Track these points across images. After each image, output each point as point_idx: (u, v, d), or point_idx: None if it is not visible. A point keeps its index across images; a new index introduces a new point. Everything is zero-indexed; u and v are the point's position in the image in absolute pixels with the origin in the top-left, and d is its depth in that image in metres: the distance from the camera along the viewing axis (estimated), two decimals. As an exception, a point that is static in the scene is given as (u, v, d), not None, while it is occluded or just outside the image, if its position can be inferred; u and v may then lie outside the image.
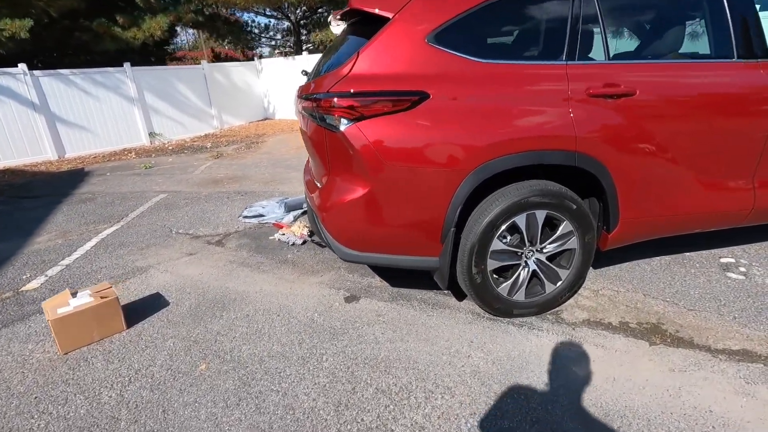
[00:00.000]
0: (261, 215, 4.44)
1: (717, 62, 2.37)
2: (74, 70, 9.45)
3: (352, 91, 2.02)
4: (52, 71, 9.09)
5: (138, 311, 2.82)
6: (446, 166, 2.06)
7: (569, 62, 2.15)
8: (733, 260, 3.00)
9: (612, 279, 2.84)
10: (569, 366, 2.08)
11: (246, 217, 4.48)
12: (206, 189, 5.96)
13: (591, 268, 2.98)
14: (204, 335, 2.51)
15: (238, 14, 12.91)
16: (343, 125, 2.04)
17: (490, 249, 2.25)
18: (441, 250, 2.23)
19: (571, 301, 2.62)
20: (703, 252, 3.14)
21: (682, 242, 3.25)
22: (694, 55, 2.57)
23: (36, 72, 8.86)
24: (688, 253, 3.13)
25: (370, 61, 2.06)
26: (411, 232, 2.19)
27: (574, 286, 2.46)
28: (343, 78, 2.07)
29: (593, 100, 2.14)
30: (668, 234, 2.60)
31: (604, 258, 3.05)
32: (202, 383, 2.12)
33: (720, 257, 3.06)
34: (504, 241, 2.33)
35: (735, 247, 3.19)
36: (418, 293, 2.81)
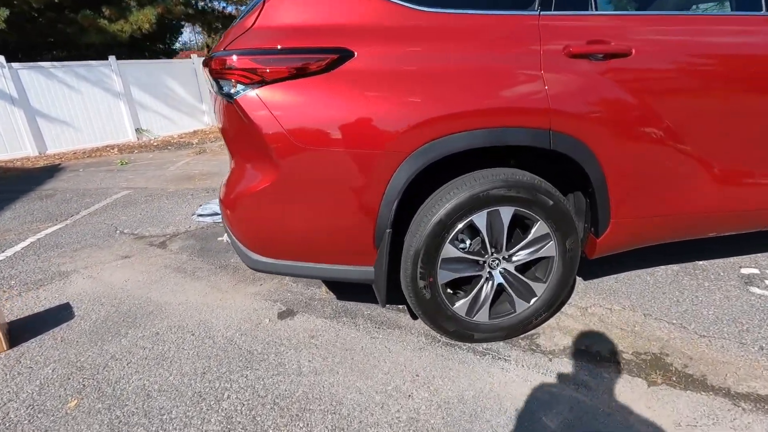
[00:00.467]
0: (216, 213, 3.98)
1: (743, 15, 1.84)
2: (55, 63, 9.11)
3: (250, 48, 1.54)
4: (31, 64, 8.76)
5: (32, 326, 2.36)
6: (375, 147, 1.56)
7: (543, 12, 1.63)
8: (757, 271, 2.46)
9: (605, 293, 2.31)
10: (538, 415, 1.57)
11: (200, 215, 4.02)
12: (175, 186, 5.53)
13: (580, 279, 2.45)
14: (94, 360, 2.05)
15: (231, 8, 12.52)
16: (239, 93, 1.56)
17: (441, 256, 1.75)
18: (376, 258, 1.74)
19: (551, 321, 2.11)
20: (720, 261, 2.60)
21: (694, 248, 2.70)
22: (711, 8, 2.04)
23: (15, 64, 8.52)
24: (701, 262, 2.59)
25: (280, 9, 1.58)
26: (335, 233, 1.70)
27: (553, 304, 1.95)
28: (245, 32, 1.58)
29: (574, 62, 1.63)
30: (674, 239, 2.07)
31: (596, 266, 2.53)
32: (61, 427, 1.65)
33: (741, 267, 2.51)
34: (459, 246, 1.83)
35: (759, 255, 2.63)
36: (367, 308, 2.32)
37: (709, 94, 1.76)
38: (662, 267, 2.54)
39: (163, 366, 1.97)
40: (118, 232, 3.89)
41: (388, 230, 1.66)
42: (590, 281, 2.44)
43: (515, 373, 1.77)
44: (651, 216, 1.88)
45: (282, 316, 2.33)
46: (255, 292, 2.59)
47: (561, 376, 1.74)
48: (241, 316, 2.34)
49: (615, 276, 2.47)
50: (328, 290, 2.55)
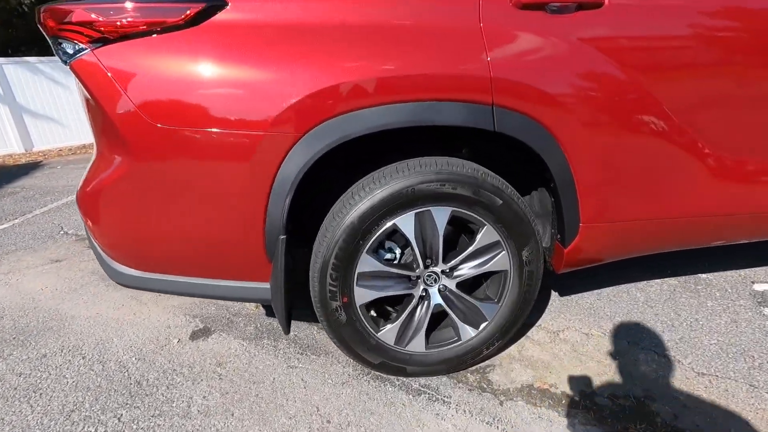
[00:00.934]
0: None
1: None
2: (42, 58, 8.88)
3: (90, -4, 1.18)
4: (17, 58, 8.56)
5: None
6: (255, 126, 1.18)
7: (483, -52, 1.24)
8: (773, 287, 2.03)
9: (584, 313, 1.90)
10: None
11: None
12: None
13: (555, 294, 2.04)
14: (-47, 389, 1.70)
15: None
16: (76, 55, 1.19)
17: (357, 270, 1.36)
18: (271, 272, 1.36)
19: (512, 349, 1.71)
20: (728, 274, 2.16)
21: (696, 257, 2.28)
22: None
23: (0, 59, 8.37)
24: (704, 275, 2.16)
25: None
26: (213, 240, 1.32)
27: (509, 330, 1.55)
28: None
29: (525, 15, 1.23)
30: (667, 248, 1.66)
31: (573, 279, 2.12)
32: None
33: (753, 283, 2.08)
34: (385, 257, 1.44)
35: (776, 266, 2.21)
36: (298, 327, 1.95)
37: (709, 59, 1.35)
38: (657, 281, 2.12)
39: (30, 400, 1.61)
40: (62, 232, 3.56)
41: (281, 236, 1.28)
42: (567, 297, 2.03)
43: (453, 422, 1.38)
44: (634, 219, 1.47)
45: (195, 336, 1.96)
46: (177, 305, 2.23)
47: (515, 427, 1.35)
48: (149, 335, 1.98)
49: (597, 291, 2.05)
50: (258, 304, 2.18)
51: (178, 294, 1.42)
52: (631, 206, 1.43)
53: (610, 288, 2.07)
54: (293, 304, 1.56)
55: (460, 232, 1.53)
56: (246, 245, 1.29)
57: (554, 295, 2.03)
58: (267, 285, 1.36)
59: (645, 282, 2.10)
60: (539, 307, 1.96)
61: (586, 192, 1.38)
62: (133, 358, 1.83)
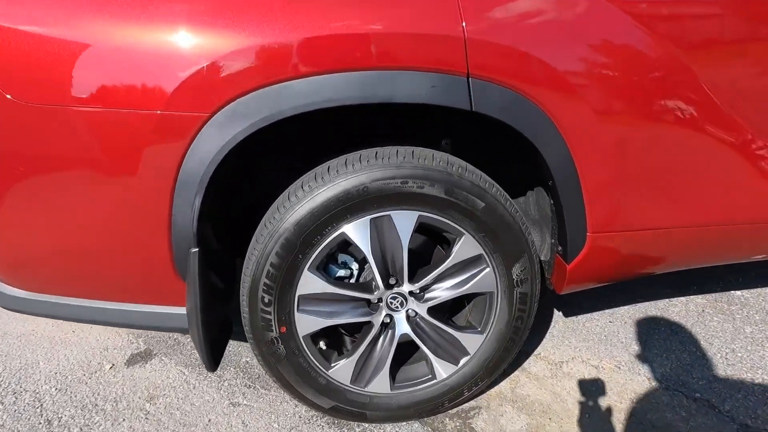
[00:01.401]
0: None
1: None
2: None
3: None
4: None
5: None
6: (148, 103, 0.88)
7: None
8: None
9: (593, 340, 1.58)
10: None
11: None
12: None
13: (558, 315, 1.72)
14: None
15: None
16: None
17: (297, 292, 1.07)
18: (186, 295, 1.07)
19: (503, 385, 1.39)
20: (766, 292, 1.83)
21: (726, 273, 1.93)
22: None
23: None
24: (738, 293, 1.79)
25: None
26: (106, 253, 1.03)
27: (497, 366, 1.23)
28: None
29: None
30: (698, 263, 1.33)
31: (581, 297, 1.79)
32: None
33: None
34: (333, 274, 1.15)
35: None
36: (250, 352, 1.65)
37: None
38: (680, 299, 1.79)
39: None
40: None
41: (193, 249, 0.99)
42: (573, 319, 1.70)
43: (421, 489, 1.08)
44: (661, 228, 1.15)
45: (133, 360, 1.68)
46: (122, 322, 1.95)
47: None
48: (81, 358, 1.70)
49: (610, 312, 1.72)
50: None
51: (75, 320, 1.14)
52: (657, 211, 1.10)
53: (625, 308, 1.74)
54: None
55: (435, 244, 1.23)
56: (148, 260, 1.00)
57: (557, 315, 1.71)
58: (182, 310, 1.07)
59: (666, 301, 1.77)
60: (539, 329, 1.64)
61: (596, 192, 1.07)
62: (53, 389, 1.54)
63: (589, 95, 0.99)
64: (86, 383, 1.56)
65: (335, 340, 1.26)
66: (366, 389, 1.18)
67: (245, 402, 1.40)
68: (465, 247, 1.08)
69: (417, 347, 1.21)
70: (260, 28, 0.86)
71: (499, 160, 1.32)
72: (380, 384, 1.18)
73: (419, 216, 1.04)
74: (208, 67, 0.86)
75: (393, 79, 0.90)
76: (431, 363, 1.19)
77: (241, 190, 1.27)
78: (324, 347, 1.15)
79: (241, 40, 0.86)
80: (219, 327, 1.18)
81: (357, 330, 1.23)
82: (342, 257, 1.16)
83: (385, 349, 1.16)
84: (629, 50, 0.99)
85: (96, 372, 1.62)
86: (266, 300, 1.04)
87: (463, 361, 1.19)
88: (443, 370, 1.20)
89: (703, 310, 1.70)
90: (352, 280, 1.18)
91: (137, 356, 1.69)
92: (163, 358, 1.67)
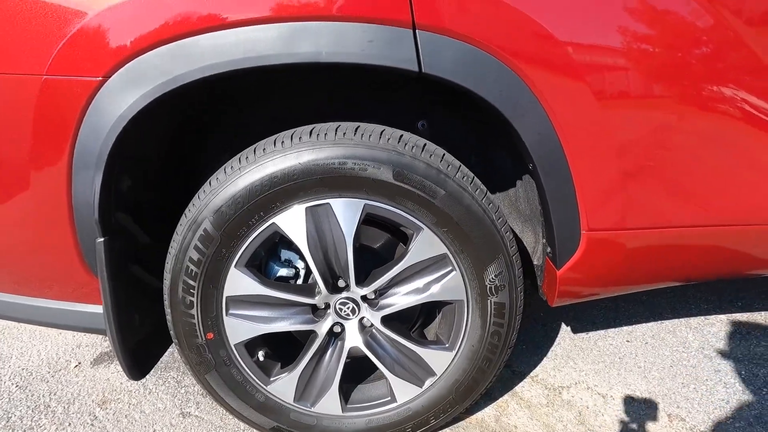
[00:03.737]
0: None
1: None
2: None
3: None
4: None
5: None
6: (29, 65, 0.75)
7: None
8: None
9: (603, 362, 1.30)
10: None
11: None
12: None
13: (566, 330, 1.46)
14: None
15: None
16: None
17: (224, 293, 0.92)
18: (100, 291, 0.94)
19: (487, 411, 1.17)
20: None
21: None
22: None
23: None
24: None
25: None
26: (9, 242, 0.91)
27: (471, 390, 1.00)
28: None
29: None
30: (730, 273, 1.06)
31: (590, 306, 1.53)
32: None
33: None
34: (272, 273, 0.98)
35: None
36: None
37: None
38: (719, 317, 1.47)
39: None
40: None
41: (99, 239, 0.86)
42: (582, 336, 1.45)
43: None
44: (683, 226, 0.91)
45: (100, 359, 1.58)
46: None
47: None
48: (53, 354, 1.63)
49: (629, 329, 1.44)
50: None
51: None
52: (677, 205, 0.87)
53: (648, 325, 1.47)
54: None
55: (398, 241, 1.04)
56: (52, 252, 0.88)
57: (564, 330, 1.47)
58: (97, 309, 0.95)
59: (702, 318, 1.48)
60: (539, 345, 1.41)
61: (592, 178, 0.84)
62: (14, 386, 1.48)
63: (585, 52, 0.78)
64: (49, 381, 1.48)
65: (284, 348, 1.10)
66: (313, 409, 1.00)
67: (196, 413, 1.27)
68: (424, 244, 0.89)
69: (366, 366, 1.03)
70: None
71: (484, 145, 1.12)
72: (329, 404, 1.00)
73: (365, 205, 0.86)
74: (95, 19, 0.72)
75: (317, 33, 0.73)
76: (389, 383, 1.00)
77: (185, 165, 1.13)
78: (262, 358, 0.99)
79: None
80: (149, 328, 1.05)
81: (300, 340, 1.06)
82: (285, 254, 0.99)
83: (333, 363, 0.98)
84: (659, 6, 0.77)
85: (61, 370, 1.54)
86: (188, 301, 0.90)
87: (428, 382, 0.99)
88: (404, 392, 1.00)
89: (747, 333, 1.40)
90: (299, 281, 1.01)
91: (106, 354, 1.61)
92: (129, 358, 1.57)
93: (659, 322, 1.47)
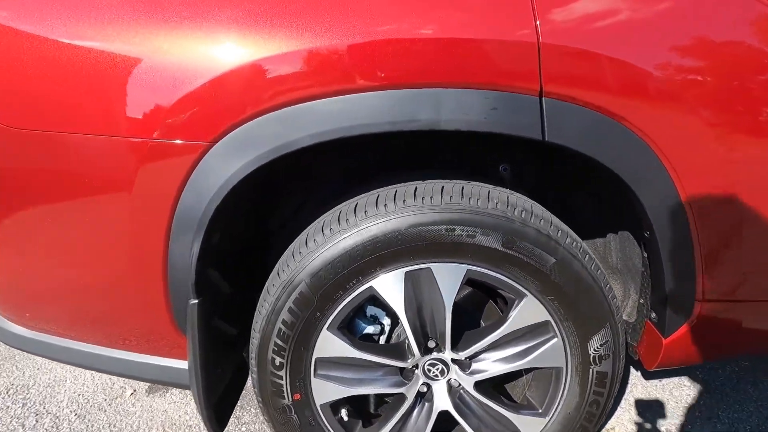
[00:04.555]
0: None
1: None
2: None
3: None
4: None
5: None
6: (132, 128, 0.72)
7: None
8: None
9: (676, 403, 1.26)
10: None
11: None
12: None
13: (637, 374, 1.40)
14: None
15: None
16: None
17: (314, 355, 0.88)
18: (188, 349, 0.92)
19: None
20: None
21: None
22: None
23: None
24: None
25: None
26: (98, 297, 0.89)
27: (562, 457, 0.99)
28: None
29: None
30: None
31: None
32: None
33: None
34: (359, 330, 0.94)
35: None
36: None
37: None
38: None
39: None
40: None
41: (192, 301, 0.83)
42: (656, 384, 1.39)
43: None
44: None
45: (154, 388, 1.58)
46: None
47: None
48: (106, 380, 1.63)
49: (724, 376, 1.38)
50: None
51: (74, 365, 1.03)
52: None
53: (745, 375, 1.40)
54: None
55: (488, 298, 1.00)
56: (143, 311, 0.86)
57: (634, 376, 1.40)
58: (184, 364, 0.93)
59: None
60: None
61: (717, 249, 0.79)
62: (73, 414, 1.47)
63: (715, 115, 0.73)
64: (105, 411, 1.48)
65: (363, 403, 1.07)
66: (395, 470, 0.97)
67: (261, 455, 1.25)
68: (527, 311, 0.84)
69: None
70: (263, 41, 0.69)
71: (564, 186, 1.07)
72: (413, 466, 0.97)
73: (468, 271, 0.82)
74: (207, 85, 0.69)
75: (438, 100, 0.69)
76: (477, 448, 0.96)
77: (263, 216, 1.11)
78: (346, 417, 0.96)
79: (241, 55, 0.69)
80: (229, 379, 1.03)
81: (381, 401, 1.03)
82: (371, 310, 0.96)
83: (420, 425, 0.95)
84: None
85: (117, 398, 1.53)
86: (277, 362, 0.87)
87: (518, 448, 0.96)
88: (491, 457, 0.97)
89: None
90: (383, 337, 0.98)
91: (159, 382, 1.60)
92: (184, 391, 1.56)
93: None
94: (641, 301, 0.96)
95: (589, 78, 0.68)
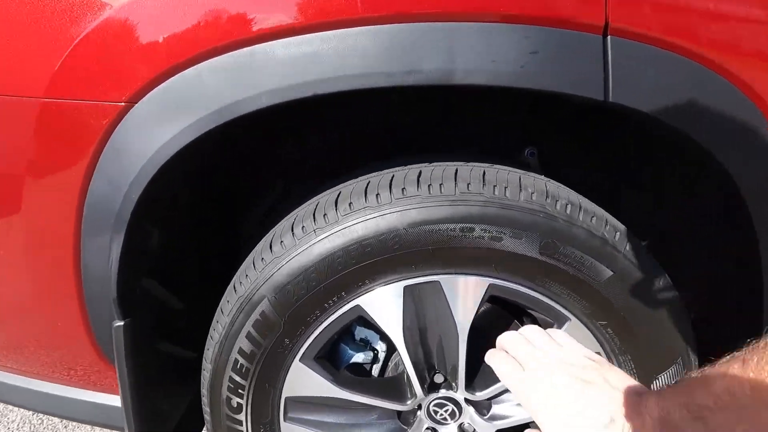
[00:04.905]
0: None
1: None
2: None
3: None
4: None
5: None
6: (21, 87, 0.53)
7: None
8: None
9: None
10: None
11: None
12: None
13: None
14: None
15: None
16: None
17: (283, 394, 0.66)
18: (118, 381, 0.72)
19: None
20: None
21: None
22: None
23: None
24: None
25: None
26: (15, 320, 0.68)
27: None
28: None
29: None
30: None
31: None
32: None
33: None
34: (346, 358, 0.72)
35: None
36: None
37: None
38: None
39: None
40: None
41: (116, 323, 0.62)
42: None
43: None
44: None
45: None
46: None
47: None
48: None
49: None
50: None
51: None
52: None
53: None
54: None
55: (513, 318, 0.78)
56: (61, 332, 0.64)
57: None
58: (114, 400, 0.72)
59: None
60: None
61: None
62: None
63: None
64: (60, 435, 1.29)
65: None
66: None
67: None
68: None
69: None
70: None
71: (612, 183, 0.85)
72: None
73: (490, 286, 0.60)
74: (118, 22, 0.48)
75: (452, 39, 0.47)
76: None
77: (241, 207, 0.90)
78: (328, 470, 0.75)
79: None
80: (182, 412, 0.82)
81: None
82: (361, 332, 0.74)
83: (425, 484, 0.73)
84: None
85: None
86: (234, 403, 0.65)
87: None
88: None
89: None
90: (377, 366, 0.77)
91: None
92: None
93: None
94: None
95: (681, 6, 0.46)
